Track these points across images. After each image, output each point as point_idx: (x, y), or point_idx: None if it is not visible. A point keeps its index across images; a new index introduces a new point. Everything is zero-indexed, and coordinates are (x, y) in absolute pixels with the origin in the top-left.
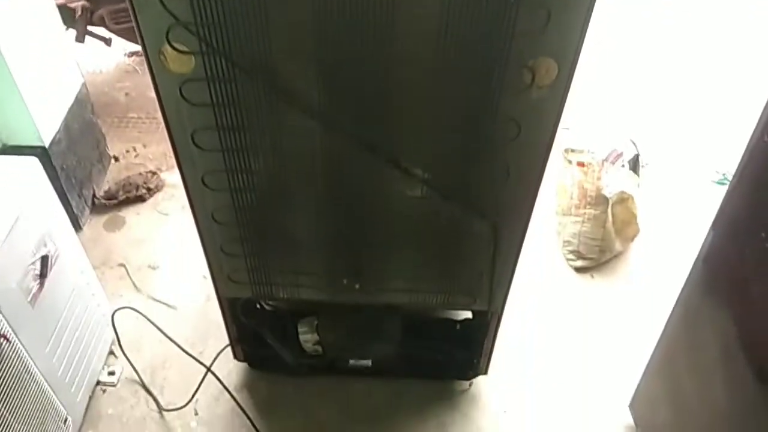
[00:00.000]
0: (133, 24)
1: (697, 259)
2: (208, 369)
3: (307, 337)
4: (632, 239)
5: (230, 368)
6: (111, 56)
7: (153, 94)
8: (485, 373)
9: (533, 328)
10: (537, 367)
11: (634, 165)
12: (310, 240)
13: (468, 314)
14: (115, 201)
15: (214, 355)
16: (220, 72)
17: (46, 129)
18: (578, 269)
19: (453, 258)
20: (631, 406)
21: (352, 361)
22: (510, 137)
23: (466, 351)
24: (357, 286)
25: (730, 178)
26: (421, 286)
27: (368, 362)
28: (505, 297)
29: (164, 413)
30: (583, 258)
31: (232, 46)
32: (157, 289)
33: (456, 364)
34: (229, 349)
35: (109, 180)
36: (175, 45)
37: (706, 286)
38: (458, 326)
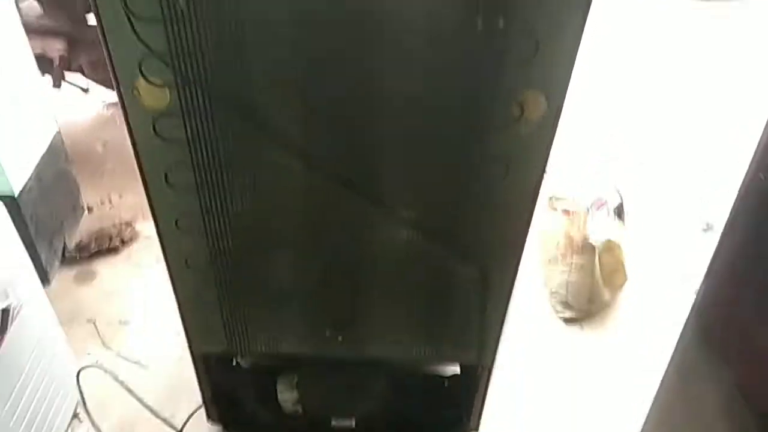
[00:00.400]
0: (105, 56)
1: (691, 309)
2: None
3: (287, 396)
4: (620, 288)
5: (203, 431)
6: (89, 106)
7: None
8: (476, 430)
9: (523, 383)
10: (528, 423)
11: (619, 213)
12: (290, 288)
13: (456, 369)
14: (87, 254)
15: (187, 415)
16: (196, 106)
17: (16, 177)
18: (567, 320)
19: (441, 307)
20: None
21: (334, 422)
22: (498, 176)
23: (454, 408)
24: (340, 339)
25: (715, 227)
26: (407, 337)
27: (352, 422)
28: (495, 349)
29: None
30: (572, 309)
31: (210, 78)
32: (127, 346)
33: (444, 423)
34: (202, 410)
35: (82, 231)
36: (149, 78)
37: (702, 335)
38: (446, 382)
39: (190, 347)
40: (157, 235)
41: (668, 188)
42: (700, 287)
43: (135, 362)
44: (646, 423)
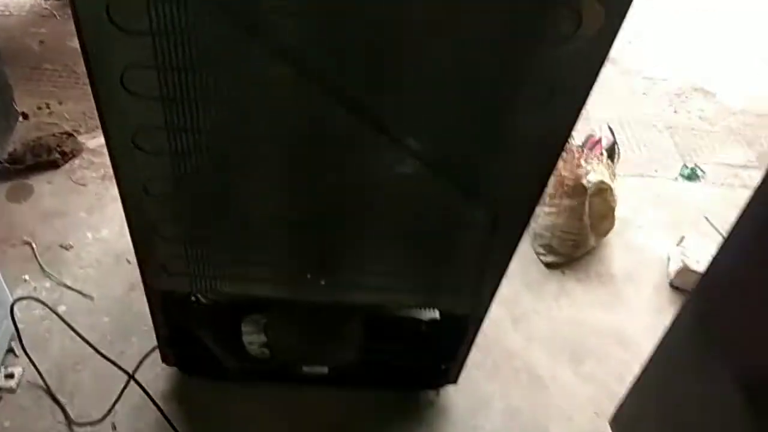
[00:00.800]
0: None
1: (712, 264)
2: (131, 376)
3: (253, 338)
4: (605, 234)
5: (157, 372)
6: None
7: (73, 44)
8: (455, 381)
9: (503, 330)
10: (508, 373)
11: (611, 153)
12: (268, 223)
13: (435, 314)
14: (21, 166)
15: (137, 356)
16: None
17: None
18: (548, 265)
19: (439, 252)
20: (613, 423)
21: (305, 369)
22: (537, 104)
23: (432, 356)
24: (322, 282)
25: (700, 172)
26: (398, 283)
27: (324, 369)
28: (491, 299)
29: (74, 427)
30: (555, 253)
31: None
32: (69, 274)
33: (422, 372)
34: (156, 352)
35: (16, 140)
36: None
37: (723, 297)
38: (423, 327)
39: (144, 284)
40: (109, 155)
41: (650, 129)
42: (727, 240)
43: (79, 292)
44: (636, 385)
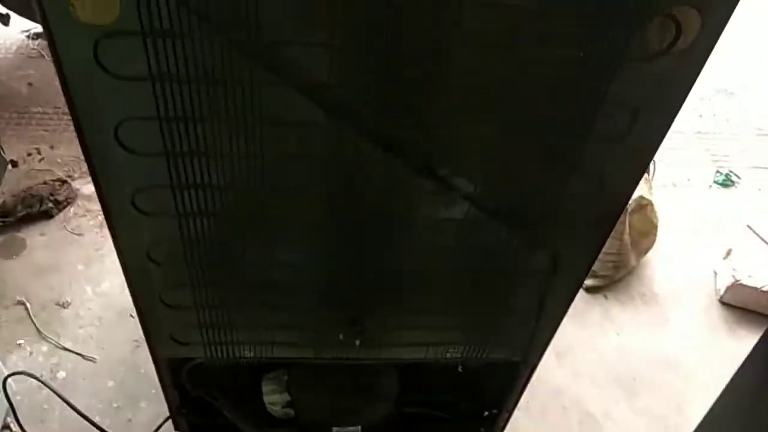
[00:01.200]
0: None
1: None
2: None
3: (275, 398)
4: (646, 252)
5: None
6: (10, 37)
7: None
8: (502, 431)
9: (547, 366)
10: (557, 414)
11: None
12: (295, 282)
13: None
14: (12, 219)
15: (147, 424)
16: (164, 18)
17: None
18: (589, 289)
19: (493, 300)
20: None
21: (336, 430)
22: (618, 130)
23: (475, 403)
24: (357, 342)
25: (735, 178)
26: (445, 338)
27: (357, 429)
28: (546, 345)
29: None
30: (596, 276)
31: None
32: (68, 335)
33: (462, 419)
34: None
35: (5, 191)
36: None
37: None
38: (461, 370)
39: (152, 353)
40: (106, 220)
41: (682, 136)
42: None
43: (78, 354)
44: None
